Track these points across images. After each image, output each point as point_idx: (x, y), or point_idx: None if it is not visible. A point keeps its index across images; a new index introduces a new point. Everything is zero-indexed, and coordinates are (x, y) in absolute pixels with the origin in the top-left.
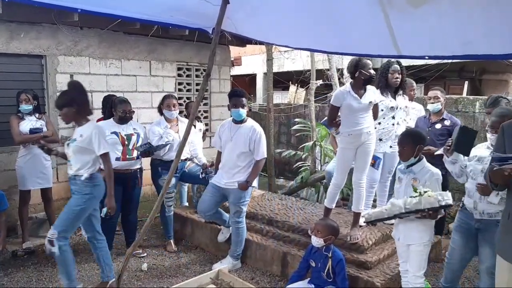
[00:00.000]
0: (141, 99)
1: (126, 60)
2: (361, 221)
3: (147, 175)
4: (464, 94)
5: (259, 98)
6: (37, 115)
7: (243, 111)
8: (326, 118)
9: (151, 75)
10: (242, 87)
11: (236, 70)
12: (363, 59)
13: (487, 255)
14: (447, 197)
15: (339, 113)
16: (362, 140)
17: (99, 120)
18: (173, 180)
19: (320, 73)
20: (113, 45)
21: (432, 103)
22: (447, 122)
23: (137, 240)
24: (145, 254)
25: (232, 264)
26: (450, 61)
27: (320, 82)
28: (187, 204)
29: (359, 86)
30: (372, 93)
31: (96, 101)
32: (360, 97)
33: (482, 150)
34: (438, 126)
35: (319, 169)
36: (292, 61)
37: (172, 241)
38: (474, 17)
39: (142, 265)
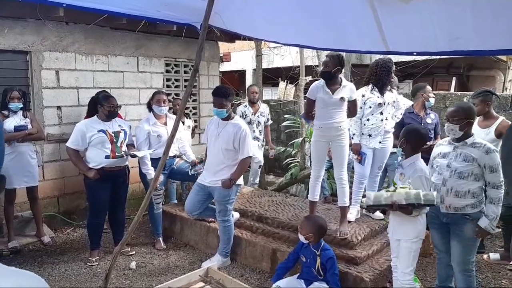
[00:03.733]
0: (128, 95)
1: (113, 56)
2: (350, 217)
3: (135, 172)
4: (452, 90)
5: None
6: (23, 112)
7: (221, 111)
8: None
9: (138, 71)
10: (232, 83)
11: (226, 66)
12: (326, 56)
13: (457, 249)
14: (417, 197)
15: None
16: (333, 134)
17: (86, 118)
18: (162, 177)
19: (309, 69)
20: (100, 40)
21: (432, 97)
22: (432, 116)
23: (125, 238)
24: (134, 252)
25: (221, 261)
26: (438, 57)
27: (309, 78)
28: (176, 201)
29: (329, 82)
30: (347, 90)
31: (83, 97)
32: (333, 92)
33: (445, 146)
34: (428, 120)
35: (309, 165)
36: (281, 57)
37: (161, 238)
38: (463, 13)
39: (130, 263)
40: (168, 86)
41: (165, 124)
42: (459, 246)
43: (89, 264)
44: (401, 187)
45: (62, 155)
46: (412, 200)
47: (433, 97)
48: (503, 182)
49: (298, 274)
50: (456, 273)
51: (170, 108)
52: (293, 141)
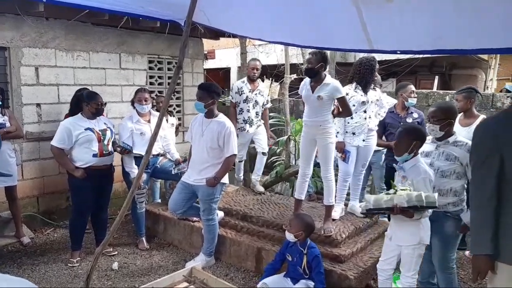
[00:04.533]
0: (110, 92)
1: (94, 52)
2: (335, 215)
3: (117, 171)
4: (435, 89)
5: None
6: (1, 110)
7: (199, 103)
8: None
9: (121, 68)
10: (216, 81)
11: (210, 64)
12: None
13: (437, 246)
14: (419, 199)
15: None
16: (316, 132)
17: (67, 115)
18: (145, 176)
19: (294, 68)
20: (81, 36)
21: (414, 97)
22: (415, 115)
23: (106, 239)
24: (116, 253)
25: (205, 261)
26: (421, 56)
27: (294, 76)
28: (159, 200)
29: (313, 79)
30: (329, 88)
31: (63, 95)
32: (313, 90)
33: (428, 145)
34: (409, 120)
35: (294, 163)
36: (266, 55)
37: (144, 238)
38: (446, 12)
39: (112, 264)
40: (151, 84)
41: (149, 121)
42: (440, 244)
43: (70, 265)
44: (401, 189)
45: (42, 154)
46: (414, 202)
47: (414, 97)
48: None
49: (285, 272)
50: (437, 270)
51: (153, 106)
52: (278, 139)
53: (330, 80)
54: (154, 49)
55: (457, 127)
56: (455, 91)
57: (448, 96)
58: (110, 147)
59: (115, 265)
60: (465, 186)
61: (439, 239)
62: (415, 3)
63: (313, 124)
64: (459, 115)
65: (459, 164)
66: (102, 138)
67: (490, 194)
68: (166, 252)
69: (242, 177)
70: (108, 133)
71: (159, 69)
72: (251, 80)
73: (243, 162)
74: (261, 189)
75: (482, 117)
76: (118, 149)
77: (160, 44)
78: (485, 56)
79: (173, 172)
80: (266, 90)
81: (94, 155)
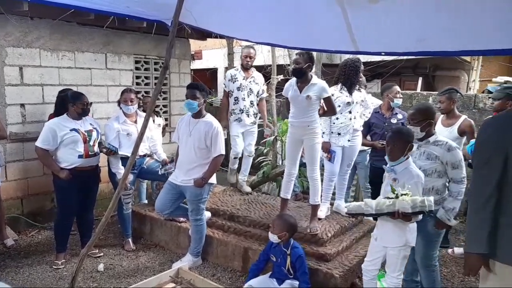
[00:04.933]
0: (96, 93)
1: (80, 52)
2: (321, 214)
3: (104, 171)
4: (418, 90)
5: (221, 93)
6: None
7: (193, 102)
8: None
9: (107, 68)
10: (203, 82)
11: (197, 64)
12: (294, 54)
13: (420, 245)
14: (422, 204)
15: None
16: (303, 132)
17: (51, 116)
18: (131, 177)
19: (281, 69)
20: (66, 36)
21: (399, 97)
22: (400, 116)
23: (92, 240)
24: (102, 254)
25: (192, 261)
26: (405, 57)
27: (281, 77)
28: (146, 201)
29: (299, 79)
30: (316, 88)
31: (48, 95)
32: (301, 90)
33: None
34: (394, 120)
35: (280, 163)
36: None
37: (130, 239)
38: (429, 14)
39: (98, 265)
40: (137, 84)
41: (135, 122)
42: (422, 242)
43: (55, 267)
44: (402, 194)
45: (26, 155)
46: (418, 208)
47: (400, 97)
48: (465, 178)
49: (270, 273)
50: (420, 268)
51: (140, 106)
52: (265, 140)
53: (316, 80)
54: (141, 49)
55: (439, 127)
56: (438, 92)
57: (431, 97)
58: (96, 148)
59: (101, 267)
60: (446, 184)
61: (421, 237)
62: (399, 5)
63: (301, 125)
64: (442, 116)
65: (439, 163)
66: (87, 139)
67: (490, 194)
68: (153, 253)
69: (235, 179)
70: (94, 134)
71: (146, 69)
72: (245, 69)
73: (237, 159)
74: (248, 189)
75: (463, 117)
76: (104, 150)
77: (147, 44)
78: (467, 58)
79: (159, 173)
80: (261, 78)
81: (80, 156)
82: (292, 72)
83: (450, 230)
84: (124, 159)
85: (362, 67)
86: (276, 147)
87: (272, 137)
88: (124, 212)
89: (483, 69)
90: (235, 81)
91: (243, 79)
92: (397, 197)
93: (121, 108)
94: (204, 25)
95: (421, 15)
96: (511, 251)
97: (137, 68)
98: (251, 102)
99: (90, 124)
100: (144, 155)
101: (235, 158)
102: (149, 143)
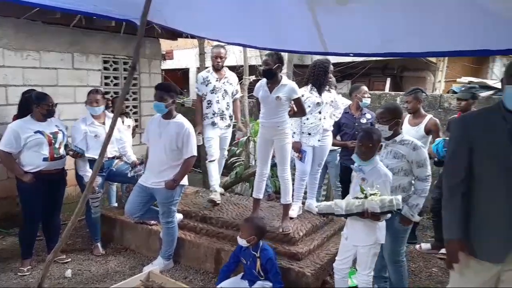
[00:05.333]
0: (63, 94)
1: (45, 51)
2: (292, 213)
3: (71, 174)
4: (387, 90)
5: (193, 93)
6: None
7: (160, 104)
8: None
9: (74, 68)
10: (175, 82)
11: (169, 64)
12: (263, 56)
13: (387, 242)
14: (391, 204)
15: None
16: (273, 132)
17: (15, 117)
18: (100, 180)
19: (253, 69)
20: (31, 35)
21: (367, 97)
22: (368, 115)
23: (58, 245)
24: (69, 260)
25: (163, 264)
26: (374, 58)
27: (253, 77)
28: (116, 204)
29: (269, 80)
30: (286, 89)
31: (12, 96)
32: (271, 91)
33: None
34: (363, 120)
35: (253, 164)
36: None
37: (99, 244)
38: (395, 16)
39: (65, 271)
40: (106, 84)
41: (103, 123)
42: (390, 238)
43: (20, 274)
44: (371, 194)
45: None
46: (387, 208)
47: (368, 97)
48: (429, 176)
49: (242, 274)
50: (388, 264)
51: (109, 107)
52: (236, 141)
53: (286, 81)
54: (109, 49)
55: (406, 126)
56: (404, 93)
57: (399, 97)
58: (62, 151)
59: (68, 273)
60: (412, 182)
61: (389, 234)
62: (366, 8)
63: (271, 125)
64: (408, 116)
65: (406, 162)
66: (53, 141)
67: (457, 184)
68: (123, 257)
69: (217, 189)
70: (60, 136)
71: (115, 69)
72: (217, 69)
73: (215, 163)
74: (220, 190)
75: (429, 116)
76: (70, 152)
77: (116, 44)
78: (433, 59)
79: (129, 175)
80: (234, 78)
81: (45, 159)
82: (262, 73)
83: (417, 227)
84: (92, 162)
85: (331, 68)
86: (249, 147)
87: (245, 138)
88: (93, 216)
89: (448, 70)
90: (208, 84)
91: (216, 80)
92: (366, 197)
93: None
94: (174, 25)
95: (388, 17)
96: (483, 247)
97: (105, 68)
98: (227, 104)
99: (56, 125)
100: (113, 157)
101: (210, 161)
102: (118, 144)
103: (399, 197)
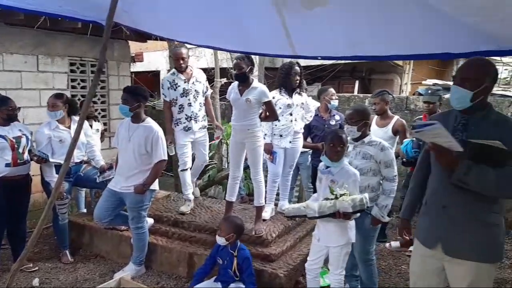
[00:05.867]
0: (27, 97)
1: (8, 54)
2: (265, 215)
3: (37, 181)
4: (355, 92)
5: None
6: None
7: (124, 107)
8: None
9: (38, 70)
10: (145, 84)
11: (138, 67)
12: (235, 59)
13: (357, 240)
14: (362, 202)
15: None
16: (245, 135)
17: None
18: (67, 185)
19: (225, 72)
20: None
21: (335, 99)
22: (337, 117)
23: (23, 254)
24: (36, 268)
25: (135, 270)
26: (342, 61)
27: (224, 80)
28: (85, 210)
29: (241, 83)
30: (256, 92)
31: None
32: (241, 93)
33: None
34: (332, 122)
35: (226, 166)
36: (196, 58)
37: (67, 251)
38: (360, 20)
39: (32, 280)
40: (73, 87)
41: (69, 128)
42: (360, 237)
43: None
44: (341, 194)
45: None
46: (358, 207)
47: (336, 99)
48: (396, 176)
49: (215, 277)
50: (358, 263)
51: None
52: (210, 143)
53: (257, 84)
54: (76, 51)
55: (374, 128)
56: (371, 95)
57: (367, 99)
58: (26, 156)
59: (36, 282)
60: (380, 182)
61: (359, 233)
62: (333, 11)
63: (242, 128)
64: (376, 117)
65: (374, 162)
66: (16, 146)
67: (415, 175)
68: (93, 264)
69: (190, 197)
70: (23, 140)
71: (82, 72)
72: (181, 71)
73: (187, 171)
74: (197, 193)
75: (396, 117)
76: (35, 158)
77: (83, 46)
78: (400, 62)
79: (97, 180)
80: (201, 75)
81: (7, 165)
82: (235, 77)
83: (387, 225)
84: (58, 167)
85: (296, 70)
86: (222, 150)
87: (217, 140)
88: (60, 222)
89: (414, 73)
90: (176, 88)
91: (185, 82)
92: (336, 198)
93: None
94: (142, 27)
95: (353, 21)
96: (420, 232)
97: (72, 71)
98: (200, 105)
99: (19, 130)
100: (81, 162)
101: (182, 170)
102: (85, 149)
103: (367, 195)
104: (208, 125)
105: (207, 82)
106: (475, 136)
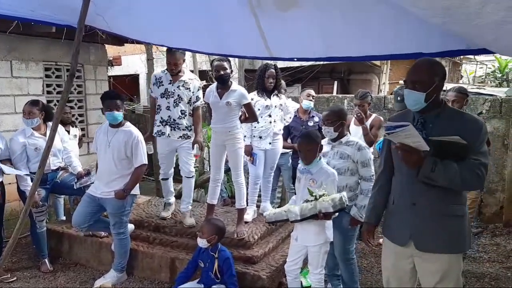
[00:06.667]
0: (1, 103)
1: None
2: (247, 217)
3: (13, 189)
4: (335, 93)
5: (144, 99)
6: None
7: (119, 114)
8: None
9: (12, 76)
10: (124, 88)
11: (117, 70)
12: (215, 61)
13: (338, 240)
14: (341, 201)
15: None
16: (225, 138)
17: None
18: (43, 193)
19: (204, 74)
20: None
21: (310, 100)
22: (316, 118)
23: (0, 264)
24: (15, 278)
25: (116, 277)
26: (321, 62)
27: (203, 83)
28: (64, 218)
29: (220, 86)
30: (236, 95)
31: None
32: (221, 96)
33: (324, 146)
34: (310, 123)
35: (208, 169)
36: None
37: (46, 260)
38: (335, 22)
39: None
40: (49, 92)
41: (45, 135)
42: (340, 237)
43: None
44: (320, 195)
45: None
46: (338, 206)
47: (310, 100)
48: (374, 176)
49: (198, 279)
50: (339, 262)
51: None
52: (195, 157)
53: (236, 86)
54: (51, 55)
55: (353, 127)
56: (356, 96)
57: (346, 99)
58: None
59: None
60: (358, 181)
61: (338, 233)
62: (307, 13)
63: (222, 130)
64: (354, 117)
65: (351, 162)
66: None
67: (378, 177)
68: (73, 272)
69: (171, 201)
70: None
71: (57, 76)
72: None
73: (169, 180)
74: (191, 221)
75: (374, 115)
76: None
77: (58, 50)
78: (378, 62)
79: (75, 187)
80: (194, 82)
81: None
82: (219, 79)
83: (361, 225)
84: (34, 175)
85: (271, 72)
86: (203, 153)
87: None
88: (38, 231)
89: (391, 73)
90: (160, 86)
91: (169, 83)
92: (316, 199)
93: None
94: (118, 30)
95: (327, 23)
96: (391, 230)
97: (47, 76)
98: (182, 112)
99: None
100: (57, 169)
101: (163, 179)
102: (62, 155)
103: (345, 193)
104: None
105: (199, 92)
106: (434, 133)
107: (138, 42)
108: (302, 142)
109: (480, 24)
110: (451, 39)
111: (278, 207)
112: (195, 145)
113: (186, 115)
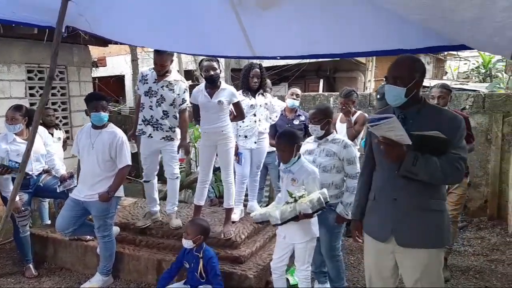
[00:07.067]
0: None
1: None
2: (234, 217)
3: None
4: (321, 91)
5: (129, 100)
6: None
7: (105, 115)
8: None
9: None
10: (109, 89)
11: (102, 72)
12: (204, 61)
13: (324, 237)
14: (319, 201)
15: None
16: (217, 138)
17: None
18: (26, 197)
19: (189, 74)
20: None
21: (294, 99)
22: (302, 117)
23: None
24: None
25: (102, 281)
26: (307, 61)
27: (189, 83)
28: (49, 222)
29: (209, 86)
30: (226, 93)
31: None
32: (211, 96)
33: (310, 144)
34: (296, 122)
35: (195, 170)
36: None
37: (31, 265)
38: (316, 19)
39: None
40: (32, 95)
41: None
42: (326, 234)
43: None
44: (299, 197)
45: None
46: (317, 207)
47: (294, 99)
48: (359, 174)
49: (185, 280)
50: (325, 259)
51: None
52: (180, 161)
53: (225, 85)
54: (33, 57)
55: (338, 125)
56: (341, 94)
57: (332, 97)
58: None
59: None
60: (344, 179)
61: (325, 230)
62: (288, 11)
63: (214, 131)
64: (341, 114)
65: (337, 159)
66: None
67: (361, 173)
68: (58, 277)
69: (154, 210)
70: None
71: (40, 79)
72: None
73: (151, 183)
74: (177, 223)
75: (359, 112)
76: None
77: (40, 52)
78: (363, 60)
79: (58, 190)
80: (180, 84)
81: None
82: (209, 79)
83: (348, 222)
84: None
85: (255, 72)
86: (190, 153)
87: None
88: (21, 235)
89: (377, 70)
90: (144, 83)
91: (154, 82)
92: (295, 200)
93: None
94: (99, 31)
95: (309, 20)
96: (371, 227)
97: (30, 78)
98: (165, 113)
99: None
100: (40, 173)
101: (145, 181)
102: (44, 158)
103: (325, 190)
104: None
105: (186, 94)
106: (414, 129)
107: (121, 43)
108: (278, 142)
109: (456, 20)
110: (432, 35)
111: (266, 206)
112: (180, 149)
113: (169, 116)
